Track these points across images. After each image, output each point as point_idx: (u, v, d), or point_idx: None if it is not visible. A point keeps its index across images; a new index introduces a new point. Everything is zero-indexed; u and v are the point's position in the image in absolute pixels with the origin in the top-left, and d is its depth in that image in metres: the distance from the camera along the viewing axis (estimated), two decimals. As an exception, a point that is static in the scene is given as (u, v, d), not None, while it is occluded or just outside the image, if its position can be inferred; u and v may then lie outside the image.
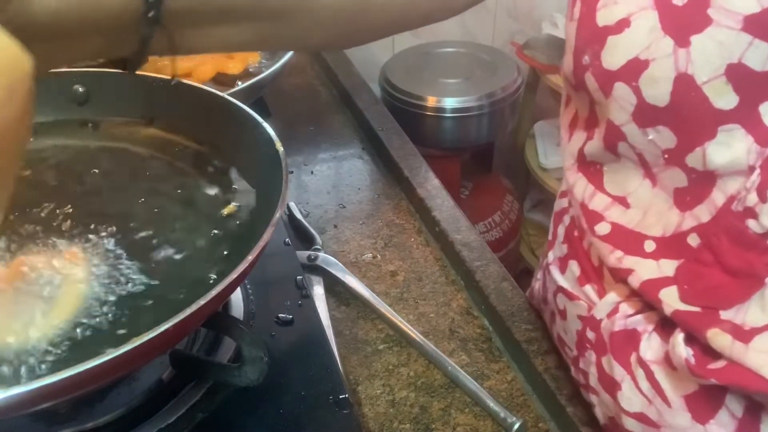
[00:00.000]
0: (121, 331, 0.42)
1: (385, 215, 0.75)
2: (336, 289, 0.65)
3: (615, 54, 0.40)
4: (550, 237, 0.56)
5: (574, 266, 0.51)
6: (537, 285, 0.60)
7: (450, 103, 1.40)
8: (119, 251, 0.48)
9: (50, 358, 0.40)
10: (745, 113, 0.36)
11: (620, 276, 0.45)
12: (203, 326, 0.48)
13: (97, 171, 0.57)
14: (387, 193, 0.79)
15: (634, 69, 0.39)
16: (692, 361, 0.40)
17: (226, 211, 0.51)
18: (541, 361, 0.56)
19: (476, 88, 1.42)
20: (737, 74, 0.36)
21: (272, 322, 0.55)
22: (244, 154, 0.55)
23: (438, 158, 1.28)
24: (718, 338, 0.38)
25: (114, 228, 0.50)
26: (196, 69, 0.82)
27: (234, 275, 0.39)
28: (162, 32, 0.36)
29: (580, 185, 0.48)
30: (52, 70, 0.36)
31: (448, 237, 0.68)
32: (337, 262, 0.66)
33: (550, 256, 0.55)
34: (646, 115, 0.40)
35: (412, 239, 0.72)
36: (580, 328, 0.50)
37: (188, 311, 0.37)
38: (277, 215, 0.44)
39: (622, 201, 0.45)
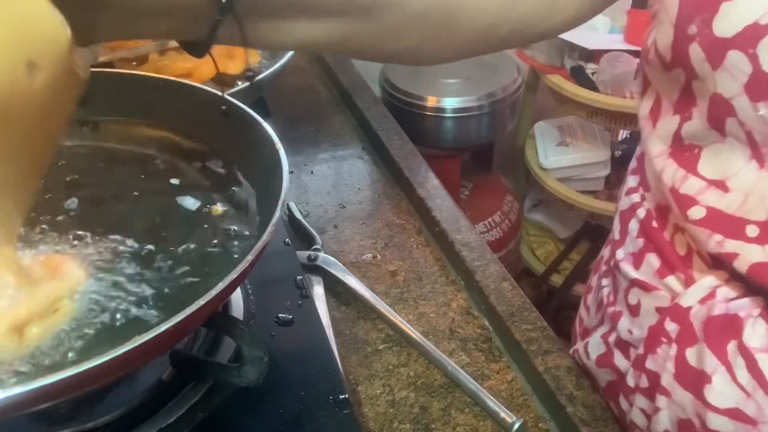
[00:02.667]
0: (120, 335, 0.42)
1: (385, 215, 0.75)
2: (336, 289, 0.65)
3: (730, 20, 0.38)
4: (617, 236, 0.55)
5: (652, 259, 0.49)
6: (595, 293, 0.59)
7: (450, 103, 1.40)
8: (118, 251, 0.48)
9: (46, 361, 0.40)
10: None
11: (723, 261, 0.43)
12: (203, 326, 0.48)
13: (96, 171, 0.57)
14: (387, 193, 0.79)
15: (753, 35, 0.37)
16: None
17: (213, 212, 0.51)
18: (541, 361, 0.56)
19: (476, 88, 1.42)
20: None
21: (272, 322, 0.55)
22: (244, 154, 0.55)
23: (438, 158, 1.28)
24: None
25: (113, 228, 0.50)
26: (196, 69, 0.82)
27: (234, 275, 0.39)
28: (233, 21, 0.36)
29: (669, 171, 0.46)
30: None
31: (448, 237, 0.68)
32: (337, 262, 0.66)
33: (620, 253, 0.53)
34: (760, 85, 0.38)
35: (412, 239, 0.72)
36: (656, 322, 0.48)
37: (188, 311, 0.37)
38: (277, 215, 0.44)
39: (720, 185, 0.42)
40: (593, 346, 0.56)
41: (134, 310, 0.44)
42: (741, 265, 0.41)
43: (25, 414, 0.42)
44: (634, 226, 0.52)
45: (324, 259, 0.66)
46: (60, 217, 0.51)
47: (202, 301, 0.37)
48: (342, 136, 0.90)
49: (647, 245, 0.50)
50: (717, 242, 0.43)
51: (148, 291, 0.45)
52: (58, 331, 0.41)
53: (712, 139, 0.43)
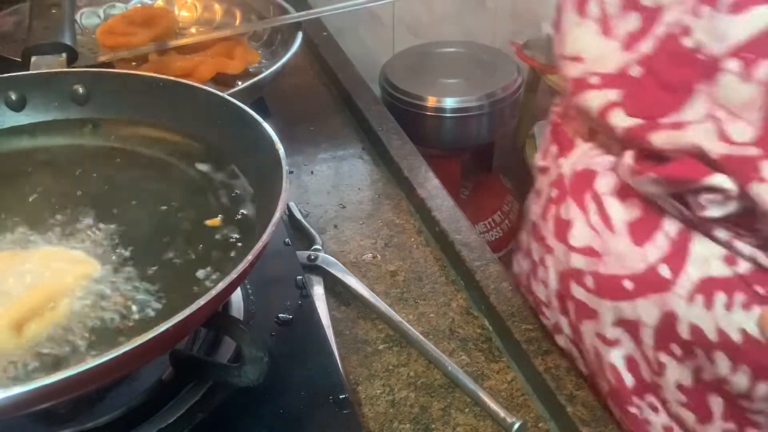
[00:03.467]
0: (120, 334, 0.42)
1: (385, 215, 0.75)
2: (336, 289, 0.65)
3: None
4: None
5: (553, 148, 0.58)
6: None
7: (450, 103, 1.41)
8: (118, 251, 0.48)
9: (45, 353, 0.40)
10: None
11: (583, 113, 0.51)
12: (203, 326, 0.48)
13: (96, 171, 0.57)
14: (387, 193, 0.79)
15: None
16: (634, 165, 0.46)
17: (212, 212, 0.51)
18: (541, 361, 0.56)
19: (476, 88, 1.42)
20: None
21: (272, 322, 0.55)
22: (244, 154, 0.55)
23: (438, 158, 1.28)
24: (658, 136, 0.44)
25: (113, 228, 0.50)
26: (196, 69, 0.82)
27: (234, 275, 0.39)
28: None
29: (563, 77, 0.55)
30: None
31: (448, 237, 0.68)
32: (337, 262, 0.66)
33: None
34: None
35: (412, 239, 0.72)
36: (545, 200, 0.56)
37: (188, 311, 0.37)
38: (277, 215, 0.44)
39: (577, 59, 0.51)
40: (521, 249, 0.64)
41: (133, 310, 0.44)
42: (592, 109, 0.49)
43: (25, 414, 0.42)
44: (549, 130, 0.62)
45: (324, 259, 0.66)
46: (60, 216, 0.51)
47: (202, 301, 0.37)
48: (342, 136, 0.90)
49: (552, 138, 0.59)
50: (578, 100, 0.51)
51: (147, 290, 0.45)
52: (57, 328, 0.41)
53: (572, 21, 0.51)
